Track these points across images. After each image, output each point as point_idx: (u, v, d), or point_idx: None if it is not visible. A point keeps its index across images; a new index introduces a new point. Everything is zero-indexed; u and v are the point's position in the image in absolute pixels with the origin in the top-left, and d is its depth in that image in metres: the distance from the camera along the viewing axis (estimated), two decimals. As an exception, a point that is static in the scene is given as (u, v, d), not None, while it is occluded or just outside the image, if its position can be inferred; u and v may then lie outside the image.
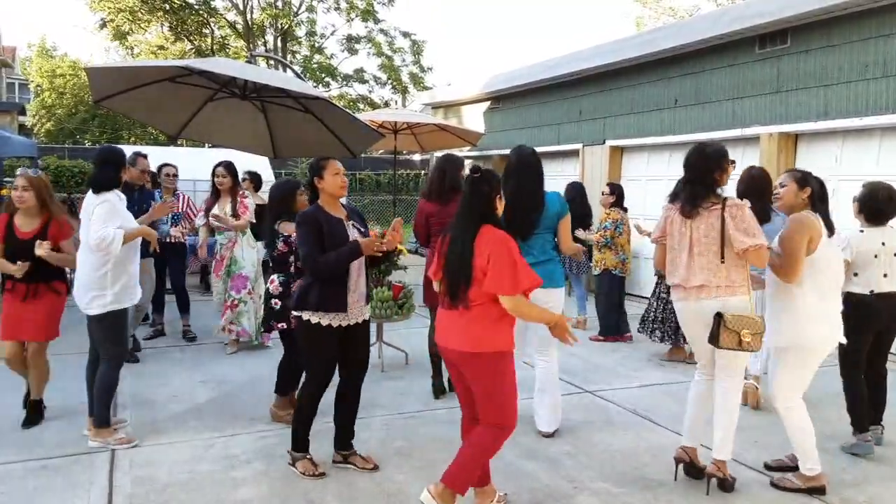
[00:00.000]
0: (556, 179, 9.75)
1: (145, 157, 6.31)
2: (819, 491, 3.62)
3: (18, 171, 4.36)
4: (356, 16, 25.27)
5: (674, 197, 3.72)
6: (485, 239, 3.07)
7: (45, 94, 31.34)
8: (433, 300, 5.22)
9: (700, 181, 3.59)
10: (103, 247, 3.91)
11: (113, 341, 4.11)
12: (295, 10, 24.88)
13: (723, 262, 3.49)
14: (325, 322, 3.61)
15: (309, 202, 3.83)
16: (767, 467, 3.94)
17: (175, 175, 6.89)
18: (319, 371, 3.72)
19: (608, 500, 3.54)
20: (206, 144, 10.08)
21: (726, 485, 3.63)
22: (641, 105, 9.48)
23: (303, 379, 3.84)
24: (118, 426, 4.30)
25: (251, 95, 5.48)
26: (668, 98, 9.03)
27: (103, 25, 23.98)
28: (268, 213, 4.67)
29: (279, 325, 4.54)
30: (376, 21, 25.48)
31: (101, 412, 4.11)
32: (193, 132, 6.04)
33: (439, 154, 13.96)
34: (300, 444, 3.80)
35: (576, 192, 7.49)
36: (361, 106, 25.80)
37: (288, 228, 4.39)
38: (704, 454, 3.76)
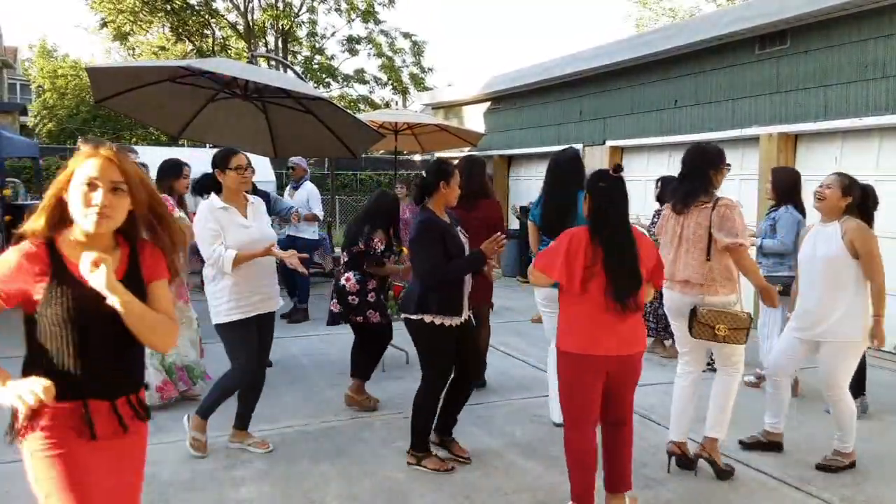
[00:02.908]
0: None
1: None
2: (853, 464, 3.88)
3: None
4: (357, 17, 25.27)
5: (671, 195, 3.86)
6: (641, 239, 3.21)
7: (46, 95, 31.32)
8: (478, 300, 5.26)
9: (696, 177, 3.70)
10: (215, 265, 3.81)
11: (228, 353, 3.98)
12: (296, 11, 24.89)
13: (708, 260, 3.60)
14: (446, 323, 3.74)
15: (416, 203, 3.92)
16: (742, 444, 4.05)
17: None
18: (441, 370, 3.84)
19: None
20: (207, 144, 10.08)
21: (720, 471, 3.70)
22: (641, 105, 9.49)
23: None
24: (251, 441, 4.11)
25: (252, 96, 5.51)
26: (667, 99, 9.04)
27: (104, 26, 23.99)
28: (362, 217, 4.92)
29: (357, 319, 4.78)
30: (377, 22, 25.46)
31: (204, 403, 4.03)
32: (195, 132, 6.07)
33: (440, 155, 14.02)
34: (424, 444, 3.86)
35: None
36: (362, 106, 25.78)
37: (382, 238, 4.74)
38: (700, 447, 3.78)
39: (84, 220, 1.87)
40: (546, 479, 3.75)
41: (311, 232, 7.93)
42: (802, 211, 5.18)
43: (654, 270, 3.24)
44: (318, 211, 7.82)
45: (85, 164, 1.88)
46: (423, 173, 3.91)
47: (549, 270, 3.16)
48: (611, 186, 3.16)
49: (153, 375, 4.67)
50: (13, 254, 1.86)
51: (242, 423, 4.12)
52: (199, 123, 5.81)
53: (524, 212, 8.66)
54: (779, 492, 3.66)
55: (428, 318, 3.72)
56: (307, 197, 7.74)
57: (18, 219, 7.99)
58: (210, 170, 3.95)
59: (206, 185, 3.97)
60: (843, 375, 3.84)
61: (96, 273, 1.77)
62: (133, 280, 1.95)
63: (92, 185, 1.86)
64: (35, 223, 1.90)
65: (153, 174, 5.19)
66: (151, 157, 6.59)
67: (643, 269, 3.13)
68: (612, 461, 3.29)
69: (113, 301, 1.80)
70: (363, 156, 15.93)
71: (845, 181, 3.84)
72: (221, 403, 4.01)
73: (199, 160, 6.65)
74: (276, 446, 4.13)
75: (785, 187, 5.16)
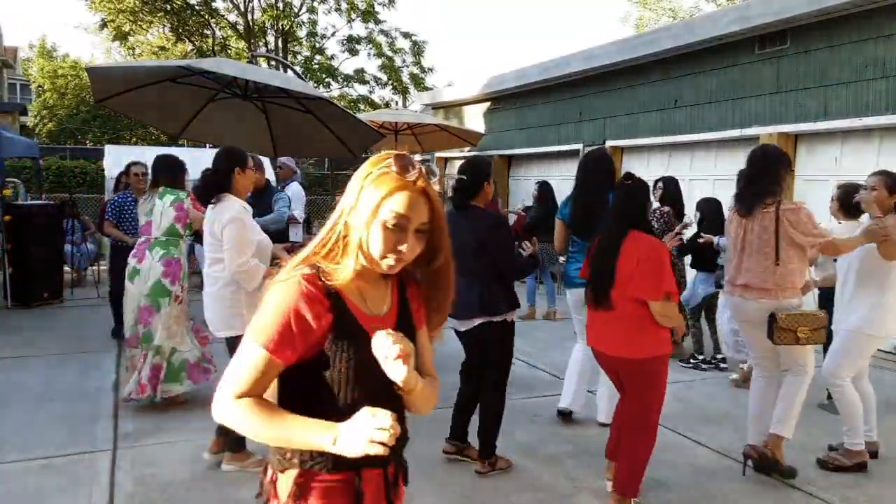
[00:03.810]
0: (556, 179, 9.75)
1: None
2: (863, 466, 3.81)
3: None
4: (357, 17, 25.26)
5: (737, 198, 3.78)
6: (635, 244, 3.18)
7: (46, 95, 31.33)
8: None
9: (763, 178, 3.65)
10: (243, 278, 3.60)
11: None
12: (296, 11, 24.88)
13: (777, 265, 3.55)
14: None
15: (456, 207, 3.88)
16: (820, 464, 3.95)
17: (145, 174, 5.94)
18: (509, 366, 3.88)
19: (608, 499, 3.55)
20: (207, 144, 10.09)
21: (783, 471, 3.67)
22: (641, 105, 9.49)
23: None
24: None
25: (252, 96, 5.50)
26: (668, 98, 9.04)
27: (104, 26, 24.00)
28: None
29: None
30: (377, 22, 25.44)
31: (234, 437, 3.69)
32: (195, 132, 6.06)
33: (440, 155, 14.01)
34: (494, 449, 3.80)
35: (548, 193, 7.90)
36: (362, 106, 25.75)
37: None
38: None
39: (380, 261, 1.51)
40: (546, 479, 3.75)
41: (294, 234, 7.77)
42: None
43: (635, 280, 3.11)
44: (299, 214, 7.64)
45: (394, 198, 1.48)
46: (463, 176, 3.83)
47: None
48: (624, 191, 3.35)
49: (144, 370, 4.61)
50: (290, 302, 1.45)
51: (240, 442, 3.77)
52: (199, 123, 5.80)
53: (526, 210, 8.88)
54: (780, 492, 3.66)
55: (510, 318, 3.75)
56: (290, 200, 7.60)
57: (19, 218, 8.03)
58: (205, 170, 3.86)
59: (209, 184, 3.86)
60: (842, 364, 3.82)
61: (399, 365, 1.43)
62: (406, 320, 1.63)
63: (399, 227, 1.49)
64: (343, 273, 1.50)
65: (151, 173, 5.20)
66: (151, 157, 6.56)
67: (620, 274, 3.15)
68: (617, 460, 3.39)
69: (403, 387, 1.49)
70: (363, 156, 15.91)
71: (887, 178, 3.81)
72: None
73: (198, 160, 6.64)
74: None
75: None
